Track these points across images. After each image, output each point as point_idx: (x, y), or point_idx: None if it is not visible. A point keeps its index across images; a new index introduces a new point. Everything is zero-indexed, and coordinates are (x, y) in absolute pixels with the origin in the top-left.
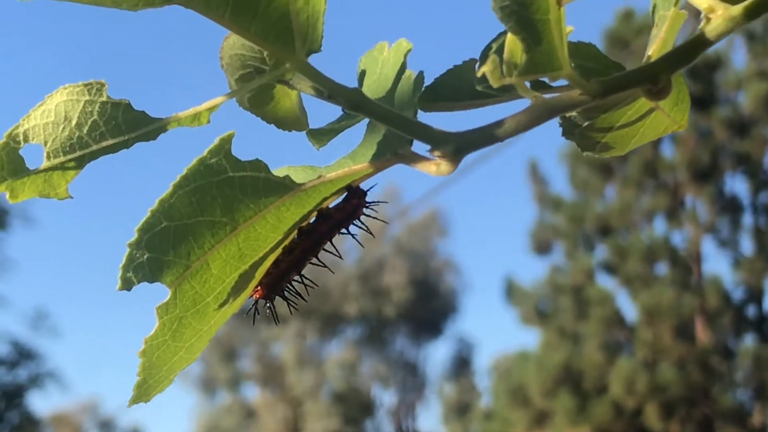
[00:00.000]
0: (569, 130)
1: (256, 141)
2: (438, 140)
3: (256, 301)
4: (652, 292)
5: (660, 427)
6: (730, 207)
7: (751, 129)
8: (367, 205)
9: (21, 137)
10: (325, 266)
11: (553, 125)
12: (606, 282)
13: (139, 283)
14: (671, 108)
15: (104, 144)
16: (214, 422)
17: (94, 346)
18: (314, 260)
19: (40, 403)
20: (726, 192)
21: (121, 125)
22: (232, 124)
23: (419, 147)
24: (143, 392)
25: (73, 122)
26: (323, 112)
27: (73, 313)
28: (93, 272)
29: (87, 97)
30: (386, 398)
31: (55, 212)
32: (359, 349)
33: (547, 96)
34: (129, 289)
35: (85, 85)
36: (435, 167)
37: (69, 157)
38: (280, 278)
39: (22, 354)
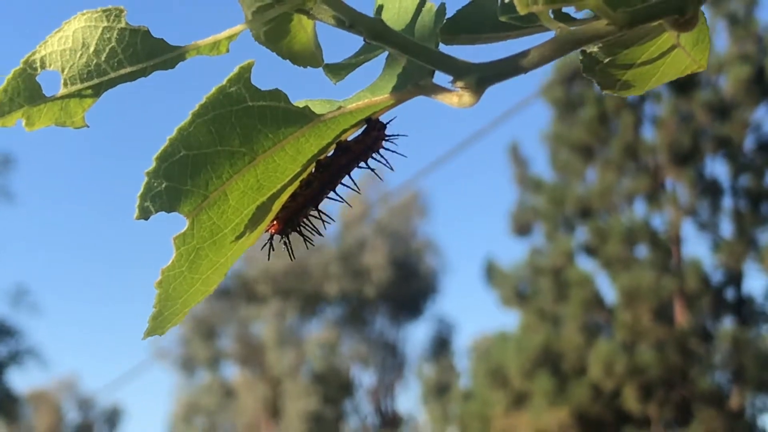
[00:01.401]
0: (590, 66)
1: (273, 79)
2: (461, 71)
3: (272, 236)
4: (632, 275)
5: (638, 408)
6: (711, 190)
7: (731, 112)
8: (387, 137)
9: (38, 64)
10: (344, 200)
11: (535, 107)
12: (586, 264)
13: (156, 212)
14: (692, 47)
15: (122, 71)
16: (193, 401)
17: (75, 324)
18: (332, 194)
19: (20, 381)
20: (706, 175)
21: (140, 53)
22: (251, 56)
23: (440, 80)
24: (158, 324)
25: (91, 49)
26: (338, 51)
27: (53, 290)
28: (74, 250)
29: (105, 24)
30: (365, 378)
31: (37, 188)
32: (339, 329)
33: (572, 28)
34: (146, 218)
35: (104, 11)
36: (457, 98)
37: (86, 84)
38: (297, 212)
39: (2, 330)
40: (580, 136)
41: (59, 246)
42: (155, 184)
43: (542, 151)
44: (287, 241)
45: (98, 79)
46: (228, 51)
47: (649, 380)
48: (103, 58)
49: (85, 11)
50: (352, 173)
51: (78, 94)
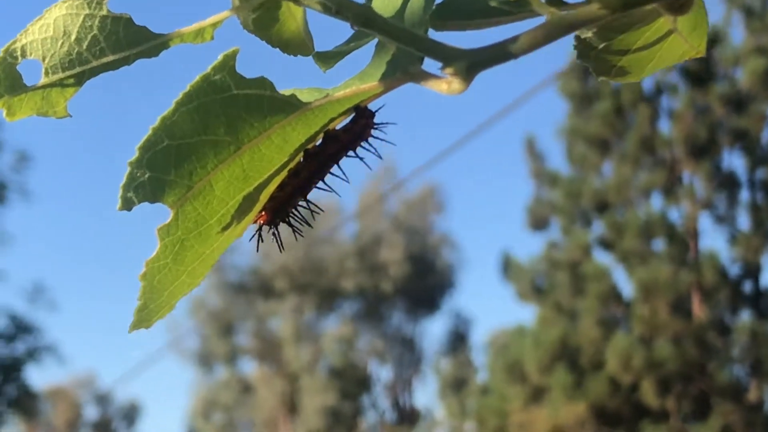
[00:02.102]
0: (584, 52)
1: (261, 68)
2: (450, 57)
3: (260, 227)
4: (649, 268)
5: (656, 402)
6: (727, 183)
7: (748, 105)
8: (376, 126)
9: (18, 52)
10: (333, 190)
11: (551, 101)
12: (603, 258)
13: (139, 203)
14: (689, 32)
15: (104, 60)
16: (211, 397)
17: (92, 321)
18: (320, 184)
19: (38, 377)
20: (723, 168)
21: (122, 41)
22: (237, 44)
23: (431, 67)
24: (144, 317)
25: (73, 37)
26: (329, 40)
27: (70, 287)
28: (91, 247)
29: (87, 11)
30: (383, 373)
31: (54, 186)
32: (356, 325)
33: (563, 12)
34: (129, 209)
35: None
36: (446, 85)
37: (68, 73)
38: (285, 202)
39: (20, 328)
40: (596, 130)
41: (75, 243)
42: (138, 175)
43: (558, 145)
44: (276, 232)
45: (80, 67)
46: (212, 38)
47: (667, 374)
48: (84, 47)
49: None
50: (340, 162)
51: (59, 84)
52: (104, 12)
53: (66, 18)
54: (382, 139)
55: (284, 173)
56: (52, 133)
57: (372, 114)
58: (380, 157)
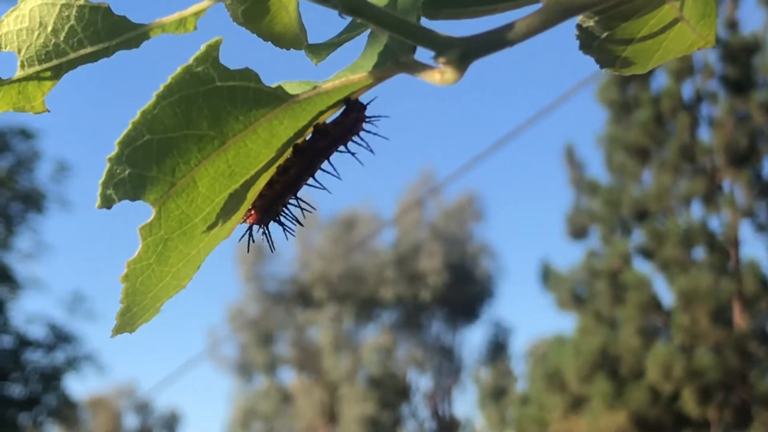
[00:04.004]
0: (587, 42)
1: (250, 60)
2: (442, 45)
3: (250, 227)
4: (689, 277)
5: (697, 412)
6: None
7: None
8: (367, 119)
9: None
10: (324, 188)
11: (589, 109)
12: (643, 267)
13: (120, 200)
14: (697, 21)
15: (83, 52)
16: (251, 406)
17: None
18: (311, 181)
19: (78, 387)
20: (764, 176)
21: (101, 31)
22: (220, 34)
23: (424, 57)
24: (127, 321)
25: (49, 28)
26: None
27: (109, 296)
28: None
29: (63, 1)
30: (422, 383)
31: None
32: (395, 334)
33: None
34: (109, 207)
35: None
36: (439, 75)
37: (45, 66)
38: (275, 201)
39: (60, 337)
40: (635, 138)
41: (114, 252)
42: (118, 171)
43: (597, 153)
44: (267, 232)
45: (57, 60)
46: (195, 29)
47: (708, 383)
48: (62, 38)
49: None
50: (331, 158)
51: (36, 77)
52: (82, 2)
53: (42, 8)
54: (374, 133)
55: (273, 170)
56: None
57: (363, 107)
58: (372, 152)
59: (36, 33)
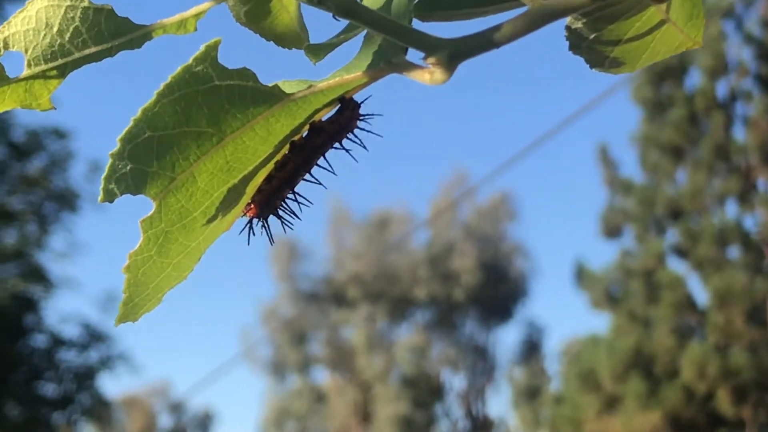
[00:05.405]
0: (576, 44)
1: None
2: (431, 47)
3: (250, 220)
4: (724, 276)
5: (732, 411)
6: None
7: None
8: (361, 117)
9: (1, 45)
10: (320, 183)
11: (624, 108)
12: (677, 266)
13: (121, 194)
14: (684, 23)
15: (87, 51)
16: (284, 406)
17: (165, 329)
18: (308, 176)
19: (112, 386)
20: None
21: (104, 32)
22: (219, 35)
23: (415, 57)
24: (130, 310)
25: (55, 29)
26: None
27: None
28: None
29: (69, 3)
30: (456, 382)
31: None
32: (429, 333)
33: (545, 0)
34: (111, 201)
35: None
36: (429, 75)
37: (51, 65)
38: (273, 195)
39: (93, 336)
40: (669, 137)
41: None
42: (120, 166)
43: (631, 153)
44: (266, 225)
45: (63, 59)
46: (195, 30)
47: (743, 383)
48: (67, 38)
49: None
50: (327, 154)
51: (42, 75)
52: (86, 3)
53: (48, 9)
54: (368, 131)
55: (271, 165)
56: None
57: (357, 105)
58: (366, 149)
59: (42, 33)
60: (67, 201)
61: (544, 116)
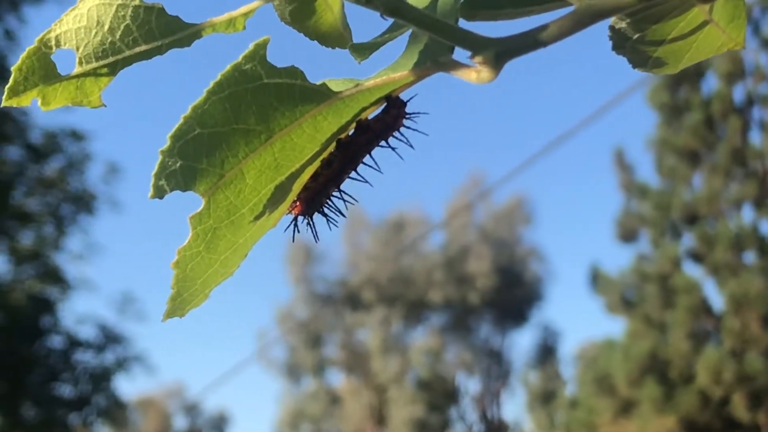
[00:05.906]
0: (620, 43)
1: (295, 60)
2: (478, 45)
3: (296, 218)
4: (740, 281)
5: (747, 416)
6: None
7: None
8: (407, 115)
9: (53, 42)
10: (366, 181)
11: (639, 112)
12: (693, 270)
13: (171, 191)
14: (726, 23)
15: (137, 50)
16: (299, 408)
17: (180, 331)
18: (354, 174)
19: (128, 387)
20: None
21: (155, 30)
22: (268, 34)
23: (461, 56)
24: (177, 306)
25: (106, 27)
26: (369, 33)
27: (159, 297)
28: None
29: (120, 1)
30: (471, 385)
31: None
32: (444, 337)
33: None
34: (161, 197)
35: None
36: (475, 74)
37: (101, 63)
38: (319, 193)
39: (109, 338)
40: (686, 142)
41: (164, 253)
42: (170, 163)
43: (647, 157)
44: (311, 222)
45: (113, 57)
46: (244, 28)
47: (759, 388)
48: (117, 36)
49: None
50: (373, 152)
51: (93, 73)
52: (137, 2)
53: (99, 8)
54: (414, 129)
55: (317, 163)
56: (141, 145)
57: (403, 103)
58: (412, 147)
59: (93, 31)
60: (84, 203)
61: (560, 119)
